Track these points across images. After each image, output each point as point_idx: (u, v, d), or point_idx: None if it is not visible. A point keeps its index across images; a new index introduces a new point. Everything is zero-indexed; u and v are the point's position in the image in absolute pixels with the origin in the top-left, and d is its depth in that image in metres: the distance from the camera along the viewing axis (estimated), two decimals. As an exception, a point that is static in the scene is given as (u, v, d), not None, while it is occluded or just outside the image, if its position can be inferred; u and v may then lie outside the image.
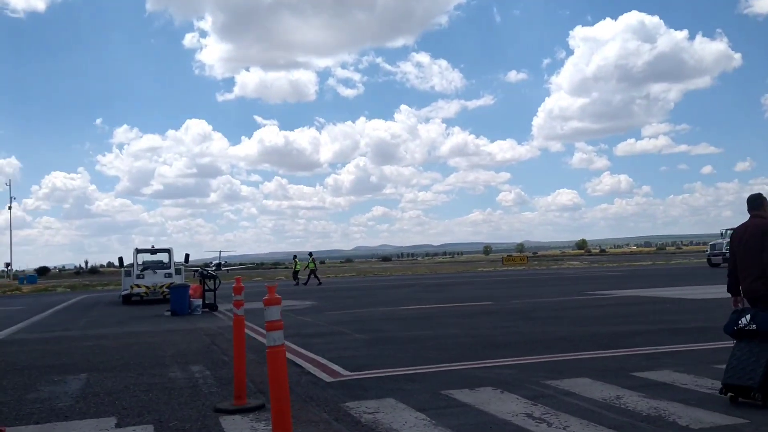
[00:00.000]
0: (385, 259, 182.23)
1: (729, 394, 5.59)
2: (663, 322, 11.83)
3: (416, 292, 25.23)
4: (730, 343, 8.85)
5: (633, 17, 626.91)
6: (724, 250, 37.84)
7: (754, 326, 5.59)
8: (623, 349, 8.77)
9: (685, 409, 5.44)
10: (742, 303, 6.06)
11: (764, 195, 6.17)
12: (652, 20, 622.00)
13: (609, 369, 7.40)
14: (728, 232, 39.13)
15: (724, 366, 5.80)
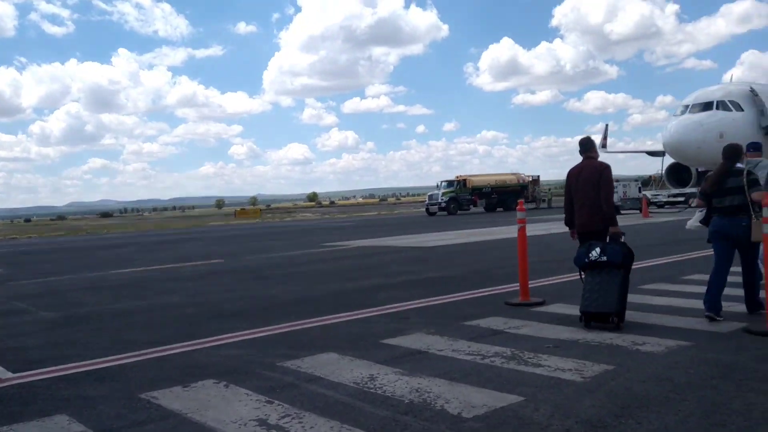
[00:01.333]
0: (105, 215, 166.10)
1: (586, 320, 6.13)
2: (402, 273, 11.35)
3: (136, 252, 22.23)
4: (466, 295, 8.32)
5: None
6: (440, 200, 41.04)
7: (605, 258, 6.11)
8: (368, 309, 7.81)
9: (450, 387, 4.48)
10: (575, 235, 6.74)
11: (592, 138, 6.84)
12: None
13: (357, 337, 6.30)
14: (443, 183, 42.55)
15: (472, 322, 6.47)
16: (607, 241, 6.38)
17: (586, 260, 6.23)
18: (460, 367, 5.02)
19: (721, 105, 25.55)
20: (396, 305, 7.99)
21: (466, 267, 11.92)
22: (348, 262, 14.36)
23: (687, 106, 26.16)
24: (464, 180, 42.21)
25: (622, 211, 28.13)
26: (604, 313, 6.01)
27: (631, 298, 6.69)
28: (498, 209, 42.47)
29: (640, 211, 26.41)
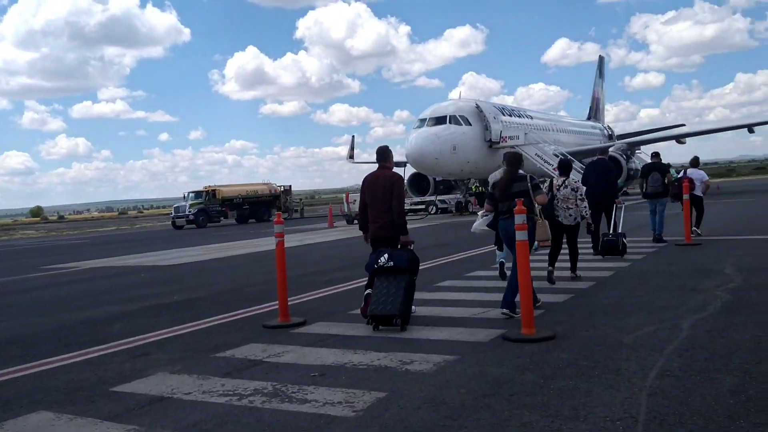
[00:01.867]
0: None
1: (373, 323, 6.34)
2: (142, 298, 9.93)
3: None
4: (219, 319, 7.50)
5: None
6: (187, 213, 38.72)
7: (392, 263, 6.41)
8: (98, 346, 6.47)
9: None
10: (369, 240, 6.93)
11: (390, 148, 7.02)
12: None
13: (81, 386, 5.05)
14: (190, 195, 40.26)
15: (226, 353, 5.76)
16: (398, 247, 6.68)
17: (376, 266, 6.51)
18: (213, 413, 4.18)
19: (453, 119, 27.95)
20: (134, 339, 6.77)
21: (218, 286, 10.91)
22: (75, 287, 12.31)
23: (424, 120, 28.15)
24: (214, 191, 40.42)
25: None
26: (389, 315, 6.22)
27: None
28: (250, 220, 41.51)
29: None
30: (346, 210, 29.49)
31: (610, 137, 49.10)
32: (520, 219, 5.78)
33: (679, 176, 13.11)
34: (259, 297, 8.97)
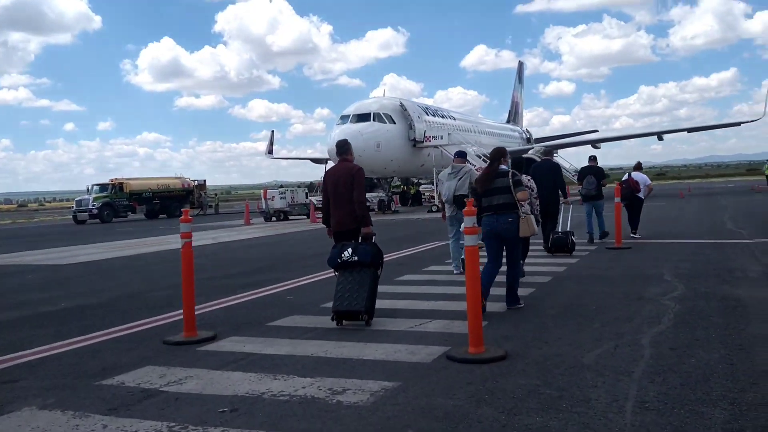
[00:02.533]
0: None
1: (338, 319, 6.17)
2: (22, 305, 8.54)
3: None
4: (111, 333, 6.46)
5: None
6: (90, 206, 36.15)
7: (356, 258, 6.26)
8: (-48, 370, 5.24)
9: None
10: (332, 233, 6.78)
11: (350, 142, 7.20)
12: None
13: None
14: (95, 188, 37.60)
15: (114, 380, 4.76)
16: (360, 240, 6.57)
17: (339, 260, 6.33)
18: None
19: (378, 117, 27.25)
20: (8, 357, 5.57)
21: (116, 290, 9.61)
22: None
23: (347, 117, 27.31)
24: (121, 184, 37.85)
25: (290, 217, 28.12)
26: (354, 311, 6.09)
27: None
28: (161, 216, 39.27)
29: (308, 217, 26.59)
30: (263, 206, 28.16)
31: (528, 140, 50.04)
32: (469, 221, 5.05)
33: (623, 179, 13.36)
34: (163, 304, 7.88)
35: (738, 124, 40.76)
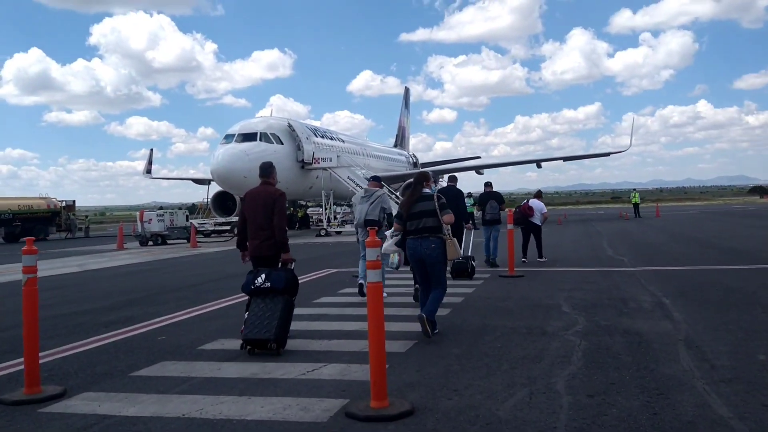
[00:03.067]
0: None
1: (248, 347, 5.98)
2: None
3: None
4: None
5: None
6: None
7: (268, 284, 6.12)
8: None
9: None
10: (248, 258, 6.61)
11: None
12: None
13: None
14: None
15: None
16: (279, 266, 6.44)
17: (252, 287, 6.19)
18: None
19: (264, 137, 26.30)
20: None
21: (-50, 330, 8.11)
22: None
23: (232, 136, 26.15)
24: (-25, 204, 34.18)
25: (169, 241, 26.32)
26: (263, 339, 5.91)
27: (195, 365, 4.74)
28: (22, 239, 35.72)
29: (188, 241, 24.93)
30: (140, 229, 26.19)
31: (415, 165, 50.74)
32: (372, 254, 4.44)
33: (521, 204, 14.19)
34: (5, 349, 6.63)
35: (608, 154, 43.61)
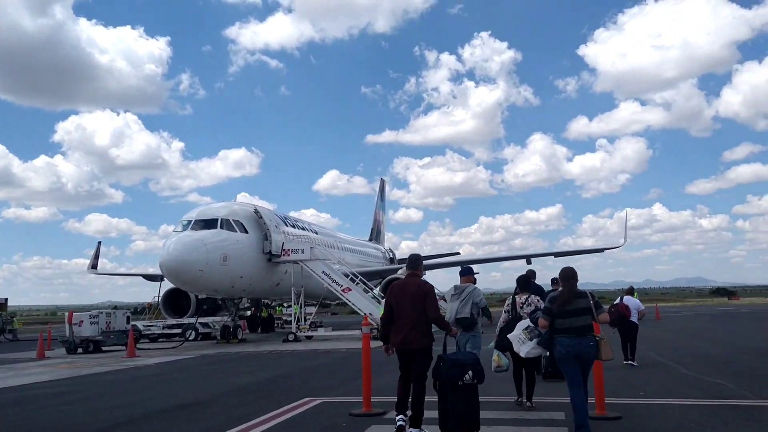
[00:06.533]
0: None
1: None
2: None
3: None
4: None
5: None
6: None
7: (476, 381, 6.34)
8: None
9: None
10: (392, 351, 6.71)
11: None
12: None
13: None
14: None
15: None
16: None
17: (461, 383, 6.22)
18: None
19: (226, 224, 22.44)
20: None
21: None
22: None
23: (189, 222, 22.20)
24: None
25: (104, 348, 21.59)
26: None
27: None
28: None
29: (126, 347, 20.24)
30: (68, 334, 21.47)
31: (392, 260, 47.26)
32: None
33: (615, 302, 13.13)
34: None
35: (602, 250, 40.94)
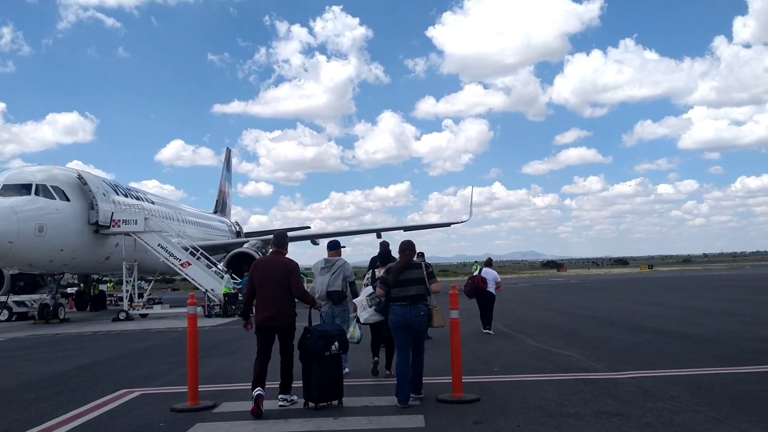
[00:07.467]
0: None
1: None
2: None
3: None
4: None
5: None
6: None
7: (341, 351, 6.56)
8: None
9: None
10: (251, 326, 6.69)
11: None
12: None
13: None
14: None
15: None
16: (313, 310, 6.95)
17: (327, 353, 6.38)
18: None
19: (44, 190, 19.65)
20: None
21: None
22: None
23: (-3, 187, 19.12)
24: None
25: None
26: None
27: None
28: None
29: None
30: None
31: (239, 234, 45.22)
32: None
33: (473, 274, 13.38)
34: None
35: (449, 224, 41.85)
